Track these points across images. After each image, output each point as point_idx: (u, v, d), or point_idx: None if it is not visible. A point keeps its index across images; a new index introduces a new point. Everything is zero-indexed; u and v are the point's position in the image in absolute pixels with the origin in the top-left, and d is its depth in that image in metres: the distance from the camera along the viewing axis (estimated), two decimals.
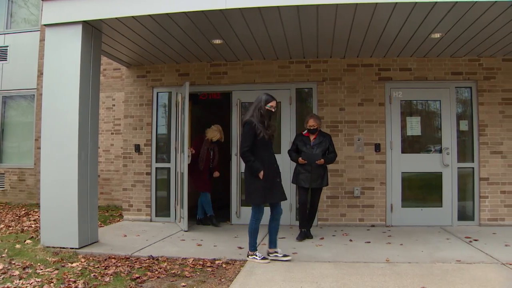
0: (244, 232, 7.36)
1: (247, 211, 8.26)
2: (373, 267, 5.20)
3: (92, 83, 6.45)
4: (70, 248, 6.01)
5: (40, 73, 11.14)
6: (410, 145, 8.39)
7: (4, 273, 4.97)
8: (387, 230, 7.66)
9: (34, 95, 11.93)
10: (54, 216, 6.11)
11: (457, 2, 5.39)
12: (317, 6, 5.66)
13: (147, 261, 5.59)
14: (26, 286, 4.53)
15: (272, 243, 5.69)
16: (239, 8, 5.69)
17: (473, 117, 8.12)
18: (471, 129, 8.13)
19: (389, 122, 8.20)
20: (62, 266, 5.28)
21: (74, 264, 5.33)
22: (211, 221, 8.22)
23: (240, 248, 6.26)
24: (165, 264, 5.45)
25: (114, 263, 5.47)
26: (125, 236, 7.16)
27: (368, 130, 8.17)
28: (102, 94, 10.61)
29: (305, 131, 6.96)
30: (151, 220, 8.65)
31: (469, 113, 8.19)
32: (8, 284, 4.58)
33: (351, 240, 6.76)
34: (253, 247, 5.63)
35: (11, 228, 7.90)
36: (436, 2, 5.44)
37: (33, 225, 8.12)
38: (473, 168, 8.08)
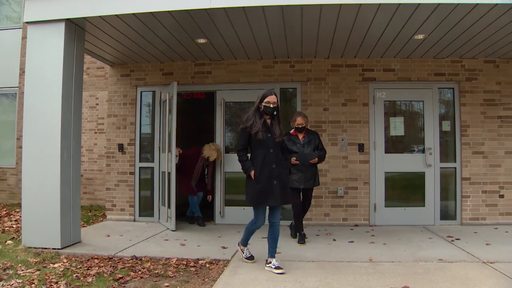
0: (228, 232, 7.40)
1: (231, 211, 8.33)
2: (357, 267, 5.23)
3: (75, 81, 6.38)
4: (52, 249, 5.94)
5: (22, 71, 10.98)
6: (394, 145, 8.45)
7: None
8: (370, 229, 7.71)
9: (16, 93, 11.76)
10: (36, 216, 6.04)
11: (440, 3, 5.44)
12: (302, 6, 5.67)
13: (130, 261, 5.56)
14: None
15: (269, 252, 5.29)
16: (224, 8, 5.67)
17: (456, 118, 8.21)
18: (454, 130, 8.22)
19: (373, 122, 8.25)
20: (44, 267, 5.22)
21: (56, 265, 5.28)
22: (197, 221, 8.20)
23: (224, 248, 6.25)
24: (149, 264, 5.42)
25: (97, 263, 5.43)
26: (108, 236, 7.11)
27: (352, 130, 8.21)
28: (85, 93, 10.51)
29: (292, 130, 6.84)
30: (134, 220, 8.60)
31: (452, 113, 8.29)
32: None
33: (334, 240, 6.80)
34: (243, 242, 5.60)
35: None
36: (419, 4, 5.49)
37: (14, 226, 8.01)
38: (455, 168, 8.18)
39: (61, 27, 6.08)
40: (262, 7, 5.68)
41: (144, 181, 8.76)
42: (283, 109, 8.38)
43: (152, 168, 8.68)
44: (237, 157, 5.37)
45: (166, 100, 8.14)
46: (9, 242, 6.53)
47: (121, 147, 8.69)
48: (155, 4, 5.76)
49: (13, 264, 5.30)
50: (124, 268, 5.23)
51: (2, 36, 11.90)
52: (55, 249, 5.95)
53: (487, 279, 4.70)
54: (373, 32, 6.75)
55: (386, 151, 8.27)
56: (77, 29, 6.36)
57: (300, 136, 6.79)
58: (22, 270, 5.04)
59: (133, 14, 5.88)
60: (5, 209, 10.37)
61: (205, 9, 5.69)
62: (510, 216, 7.98)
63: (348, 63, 8.31)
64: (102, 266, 5.27)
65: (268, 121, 5.32)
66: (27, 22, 6.27)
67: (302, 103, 8.28)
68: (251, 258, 5.50)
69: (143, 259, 5.66)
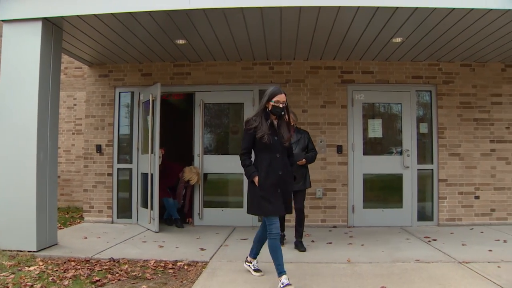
0: (206, 234, 7.36)
1: (209, 213, 8.32)
2: (335, 268, 5.25)
3: (52, 81, 6.29)
4: (28, 251, 5.84)
5: None
6: (372, 147, 8.53)
7: None
8: (348, 231, 7.75)
9: None
10: (11, 219, 5.92)
11: (417, 7, 5.52)
12: (281, 8, 5.68)
13: (108, 263, 5.49)
14: None
15: (252, 252, 5.09)
16: (203, 9, 5.66)
17: (433, 120, 8.33)
18: (431, 132, 8.34)
19: (351, 124, 8.31)
20: (19, 270, 5.12)
21: (31, 268, 5.19)
22: (175, 223, 8.15)
23: (202, 249, 6.22)
24: (126, 266, 5.37)
25: (74, 266, 5.35)
26: (86, 238, 7.02)
27: (331, 132, 8.26)
28: (63, 93, 10.41)
29: None
30: (112, 222, 8.51)
31: (429, 116, 8.40)
32: None
33: (313, 241, 6.81)
34: (252, 253, 5.14)
35: None
36: (397, 7, 5.55)
37: None
38: (432, 169, 8.29)
39: (38, 26, 5.98)
40: (242, 8, 5.68)
41: (122, 182, 8.67)
42: None
43: (131, 170, 8.61)
44: (240, 161, 4.83)
45: (146, 101, 8.09)
46: None
47: (99, 148, 8.59)
48: (134, 4, 5.70)
49: None
50: (101, 270, 5.16)
51: None
52: (30, 251, 5.85)
53: (463, 279, 4.77)
54: (352, 35, 6.80)
55: (365, 153, 8.34)
56: (54, 29, 6.27)
57: None
58: None
59: (112, 14, 5.82)
60: None
61: (184, 10, 5.66)
62: (485, 217, 8.12)
63: (327, 65, 8.36)
64: (79, 269, 5.20)
65: (275, 122, 4.80)
66: (2, 21, 6.13)
67: None
68: (258, 271, 5.05)
69: (120, 261, 5.60)
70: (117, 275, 4.98)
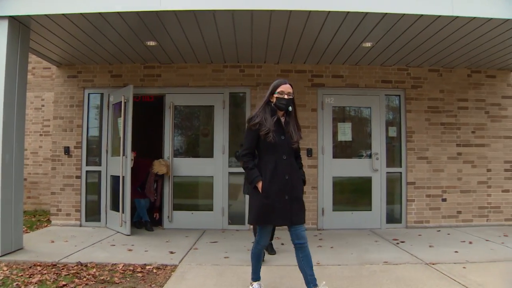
0: (176, 237, 7.32)
1: (179, 216, 8.26)
2: None
3: (19, 82, 6.16)
4: None
5: None
6: (342, 150, 8.60)
7: None
8: (318, 233, 7.80)
9: None
10: None
11: (386, 13, 5.60)
12: (252, 11, 5.69)
13: (75, 267, 5.40)
14: None
15: (308, 282, 4.23)
16: (174, 11, 5.63)
17: (401, 124, 8.46)
18: (400, 136, 8.47)
19: (321, 128, 8.37)
20: None
21: None
22: (145, 226, 8.06)
23: (171, 252, 6.18)
24: (94, 270, 5.29)
25: (40, 270, 5.25)
26: (53, 242, 6.89)
27: None
28: (30, 94, 10.22)
29: None
30: (80, 225, 8.36)
31: (398, 120, 8.53)
32: None
33: (282, 244, 6.82)
34: (255, 276, 4.50)
35: None
36: (367, 13, 5.62)
37: None
38: (401, 172, 8.41)
39: (4, 24, 5.85)
40: (213, 11, 5.67)
41: (91, 185, 8.53)
42: (233, 113, 8.40)
43: (100, 172, 8.47)
44: (242, 163, 4.30)
45: (116, 103, 7.99)
46: None
47: (67, 150, 8.44)
48: (104, 5, 5.63)
49: None
50: (68, 275, 5.08)
51: None
52: None
53: (429, 280, 4.86)
54: (323, 39, 6.86)
55: (334, 156, 8.40)
56: (21, 27, 6.14)
57: None
58: None
59: (81, 14, 5.73)
60: None
61: (155, 11, 5.63)
62: (451, 219, 8.29)
63: (297, 69, 8.41)
64: (45, 274, 5.10)
65: (282, 119, 4.31)
66: None
67: (252, 108, 8.28)
68: None
69: (88, 265, 5.51)
70: (84, 279, 4.91)
